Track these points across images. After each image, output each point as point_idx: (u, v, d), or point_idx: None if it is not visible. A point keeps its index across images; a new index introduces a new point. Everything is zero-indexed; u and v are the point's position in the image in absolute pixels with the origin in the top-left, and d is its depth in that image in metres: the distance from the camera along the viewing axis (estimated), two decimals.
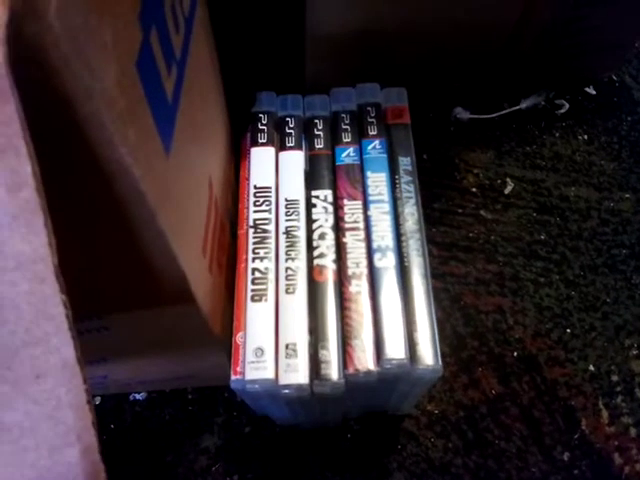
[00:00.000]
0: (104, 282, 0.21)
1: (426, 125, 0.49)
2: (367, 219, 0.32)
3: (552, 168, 0.49)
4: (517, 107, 0.51)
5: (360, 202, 0.32)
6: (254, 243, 0.31)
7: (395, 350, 0.28)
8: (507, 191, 0.47)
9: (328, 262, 0.30)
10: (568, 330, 0.42)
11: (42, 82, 0.13)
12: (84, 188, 0.17)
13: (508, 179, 0.48)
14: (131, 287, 0.22)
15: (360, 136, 0.35)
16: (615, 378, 0.40)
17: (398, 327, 0.29)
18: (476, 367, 0.40)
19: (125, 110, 0.16)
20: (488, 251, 0.45)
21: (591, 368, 0.41)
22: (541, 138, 0.50)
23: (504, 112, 0.50)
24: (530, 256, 0.45)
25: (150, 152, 0.18)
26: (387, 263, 0.30)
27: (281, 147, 0.34)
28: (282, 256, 0.31)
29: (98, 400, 0.39)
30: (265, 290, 0.30)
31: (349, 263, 0.30)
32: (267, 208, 0.32)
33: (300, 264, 0.30)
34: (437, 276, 0.43)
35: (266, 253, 0.31)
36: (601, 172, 0.49)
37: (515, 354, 0.41)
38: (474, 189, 0.47)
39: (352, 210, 0.32)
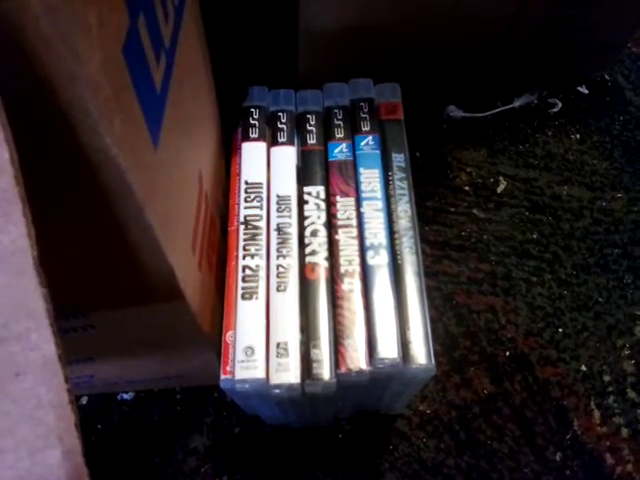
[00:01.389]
0: (89, 278, 0.20)
1: (419, 123, 0.49)
2: (360, 216, 0.31)
3: (545, 167, 0.49)
4: (510, 106, 0.50)
5: (353, 199, 0.32)
6: (245, 240, 0.30)
7: (388, 349, 0.28)
8: (500, 190, 0.47)
9: (320, 259, 0.30)
10: (560, 330, 0.42)
11: (22, 64, 0.12)
12: (68, 178, 0.16)
13: (501, 178, 0.48)
14: (117, 283, 0.21)
15: (353, 132, 0.34)
16: (607, 378, 0.40)
17: (391, 326, 0.28)
18: (468, 367, 0.40)
19: (111, 97, 0.15)
20: (480, 250, 0.44)
21: (583, 368, 0.41)
22: (534, 137, 0.50)
23: (497, 110, 0.50)
24: (522, 255, 0.44)
25: (137, 143, 0.18)
26: (380, 261, 0.30)
27: (273, 142, 0.34)
28: (273, 253, 0.30)
29: (85, 400, 0.38)
30: (256, 288, 0.29)
31: (341, 261, 0.30)
32: (258, 204, 0.32)
33: (291, 261, 0.30)
34: (429, 275, 0.43)
35: (257, 250, 0.30)
36: (593, 171, 0.49)
37: (507, 354, 0.41)
38: (467, 187, 0.47)
39: (345, 207, 0.32)
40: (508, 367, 0.40)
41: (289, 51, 0.41)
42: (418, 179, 0.45)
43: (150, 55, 0.19)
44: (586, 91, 0.52)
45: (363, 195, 0.32)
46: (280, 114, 0.35)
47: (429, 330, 0.28)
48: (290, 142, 0.34)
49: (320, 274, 0.30)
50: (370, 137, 0.34)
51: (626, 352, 0.41)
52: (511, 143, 0.49)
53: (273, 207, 0.31)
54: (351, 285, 0.29)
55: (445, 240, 0.45)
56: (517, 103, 0.50)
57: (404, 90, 0.35)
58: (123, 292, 0.22)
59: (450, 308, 0.42)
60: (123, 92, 0.16)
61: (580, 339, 0.42)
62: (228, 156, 0.34)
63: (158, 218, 0.19)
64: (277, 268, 0.30)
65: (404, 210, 0.32)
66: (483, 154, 0.49)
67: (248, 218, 0.31)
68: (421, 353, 0.28)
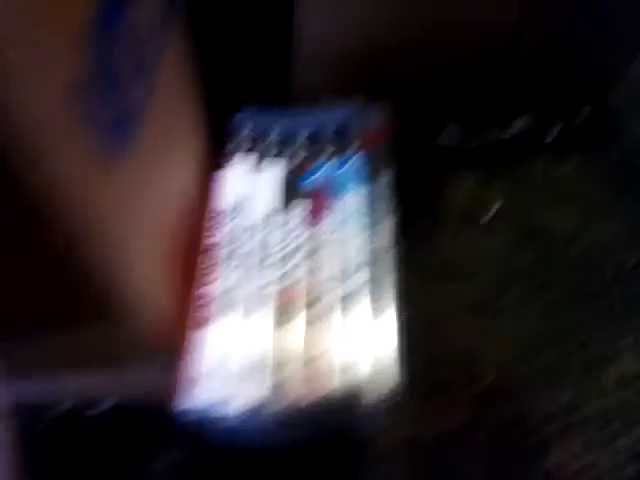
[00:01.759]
0: (42, 300, 0.21)
1: (412, 145, 0.49)
2: (342, 236, 0.31)
3: (539, 192, 0.48)
4: (507, 130, 0.50)
5: (336, 218, 0.32)
6: (225, 257, 0.31)
7: (360, 370, 0.28)
8: (490, 215, 0.47)
9: (298, 279, 0.30)
10: (545, 358, 0.41)
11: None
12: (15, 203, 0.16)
13: (493, 203, 0.48)
14: (73, 299, 0.22)
15: (340, 152, 0.35)
16: (589, 409, 0.40)
17: (364, 346, 0.28)
18: (448, 392, 0.40)
19: (63, 130, 0.15)
20: (467, 276, 0.44)
21: (565, 398, 0.40)
22: (529, 162, 0.50)
23: (493, 135, 0.50)
24: (509, 282, 0.44)
25: (92, 169, 0.18)
26: (359, 281, 0.30)
27: (260, 161, 0.34)
28: (253, 271, 0.30)
29: (53, 414, 0.38)
30: (231, 308, 0.29)
31: (320, 280, 0.30)
32: (242, 223, 0.32)
33: (270, 281, 0.30)
34: (413, 300, 0.42)
35: (235, 267, 0.30)
36: (587, 198, 0.48)
37: (488, 381, 0.40)
38: (457, 212, 0.47)
39: (327, 226, 0.32)
40: (488, 394, 0.40)
41: (282, 71, 0.41)
42: (408, 203, 0.45)
43: (123, 79, 0.19)
44: (584, 116, 0.52)
45: (347, 215, 0.32)
46: (268, 133, 0.35)
47: (401, 352, 0.28)
48: (277, 162, 0.34)
49: (298, 294, 0.30)
50: (357, 157, 0.34)
51: (610, 384, 0.41)
52: (506, 168, 0.49)
53: (257, 225, 0.32)
54: (328, 305, 0.29)
55: (431, 264, 0.45)
56: (514, 128, 0.50)
57: (398, 112, 0.36)
58: (79, 308, 0.22)
59: (432, 333, 0.42)
60: (77, 125, 0.16)
61: (564, 368, 0.41)
62: (214, 175, 0.35)
63: (121, 238, 0.20)
64: (255, 288, 0.30)
65: (386, 231, 0.32)
66: (477, 178, 0.49)
67: (229, 237, 0.31)
68: (391, 375, 0.28)
